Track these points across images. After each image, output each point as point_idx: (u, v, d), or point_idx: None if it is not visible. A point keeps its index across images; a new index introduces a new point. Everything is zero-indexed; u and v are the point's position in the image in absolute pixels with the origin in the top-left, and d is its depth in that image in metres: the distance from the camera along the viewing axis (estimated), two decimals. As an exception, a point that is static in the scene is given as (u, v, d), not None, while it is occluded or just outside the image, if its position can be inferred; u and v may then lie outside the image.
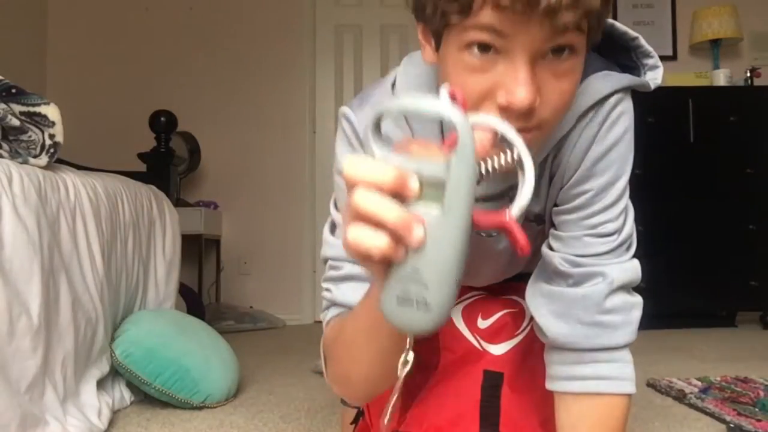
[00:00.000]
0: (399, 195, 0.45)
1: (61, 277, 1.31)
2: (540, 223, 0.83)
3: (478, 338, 0.94)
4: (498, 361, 0.90)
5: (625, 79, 0.75)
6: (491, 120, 0.50)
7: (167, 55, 3.57)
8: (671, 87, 3.35)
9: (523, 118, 0.59)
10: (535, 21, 0.55)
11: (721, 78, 3.37)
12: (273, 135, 3.58)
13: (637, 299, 0.78)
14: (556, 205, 0.79)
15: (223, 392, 1.60)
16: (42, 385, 1.19)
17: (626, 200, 0.77)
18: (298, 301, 3.53)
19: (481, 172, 0.50)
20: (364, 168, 0.45)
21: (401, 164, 0.45)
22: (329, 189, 0.85)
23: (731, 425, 1.32)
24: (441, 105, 0.44)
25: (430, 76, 0.75)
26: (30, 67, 3.41)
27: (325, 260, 0.82)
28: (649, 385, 1.75)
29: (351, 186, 0.46)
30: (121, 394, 1.54)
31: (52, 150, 1.39)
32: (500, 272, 0.93)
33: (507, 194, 0.77)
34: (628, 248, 0.78)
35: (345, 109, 0.80)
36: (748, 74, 3.36)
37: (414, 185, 0.45)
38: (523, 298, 0.84)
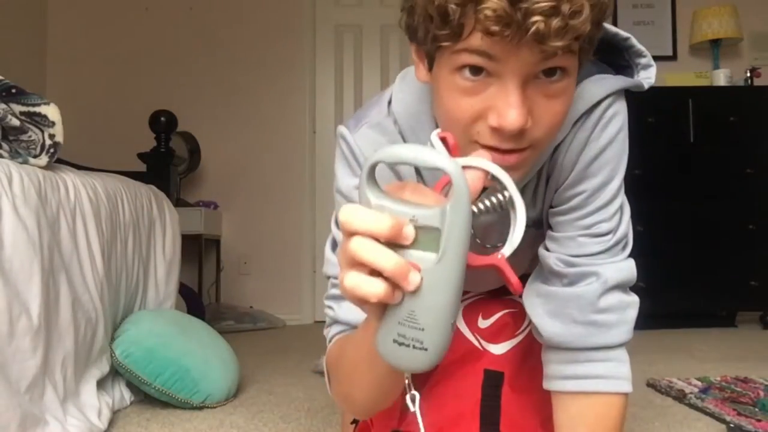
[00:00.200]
0: (395, 241, 0.46)
1: (61, 277, 1.31)
2: (538, 227, 0.83)
3: (479, 338, 0.94)
4: (498, 361, 0.91)
5: (618, 81, 0.75)
6: (482, 162, 0.51)
7: (167, 55, 3.57)
8: (671, 87, 3.35)
9: (514, 139, 0.60)
10: (525, 46, 0.55)
11: (721, 78, 3.37)
12: (273, 135, 3.58)
13: (633, 298, 0.78)
14: (551, 206, 0.80)
15: (223, 392, 1.60)
16: (42, 385, 1.19)
17: (621, 200, 0.78)
18: (298, 301, 3.53)
19: (474, 210, 0.52)
20: (360, 217, 0.46)
21: (396, 211, 0.46)
22: (329, 189, 0.85)
23: (731, 425, 1.32)
24: (436, 156, 0.45)
25: (424, 94, 0.75)
26: (30, 67, 3.41)
27: (327, 277, 0.83)
28: (649, 385, 1.75)
29: (347, 234, 0.47)
30: (121, 394, 1.54)
31: (52, 150, 1.39)
32: (497, 280, 0.93)
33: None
34: (623, 248, 0.78)
35: (342, 130, 0.81)
36: (748, 74, 3.36)
37: (410, 233, 0.46)
38: None
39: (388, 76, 3.65)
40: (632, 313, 0.77)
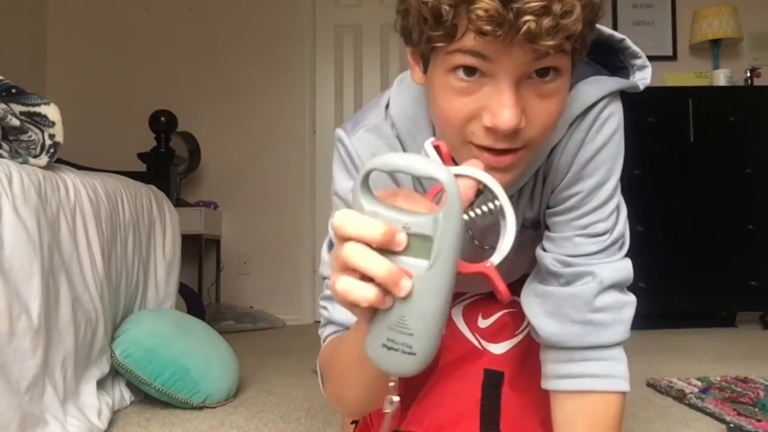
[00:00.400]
0: (387, 247, 0.46)
1: (61, 277, 1.31)
2: (536, 228, 0.83)
3: (479, 337, 0.94)
4: (498, 360, 0.91)
5: (614, 83, 0.75)
6: (474, 171, 0.52)
7: (167, 55, 3.57)
8: (671, 87, 3.36)
9: (508, 138, 0.61)
10: (517, 45, 0.56)
11: (721, 78, 3.37)
12: (273, 135, 3.58)
13: (630, 298, 0.79)
14: (548, 207, 0.80)
15: (223, 392, 1.60)
16: (42, 385, 1.19)
17: (617, 200, 0.78)
18: (298, 301, 3.53)
19: (464, 220, 0.52)
20: (353, 223, 0.47)
21: (389, 218, 0.47)
22: (329, 190, 0.85)
23: (731, 425, 1.32)
24: (429, 165, 0.46)
25: (421, 98, 0.76)
26: (30, 67, 3.41)
27: (324, 278, 0.84)
28: (649, 385, 1.75)
29: (340, 239, 0.47)
30: (121, 394, 1.54)
31: (52, 150, 1.39)
32: None
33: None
34: (620, 248, 0.79)
35: (340, 133, 0.81)
36: (748, 74, 3.36)
37: (402, 239, 0.47)
38: None
39: (388, 76, 3.65)
40: (629, 313, 0.78)
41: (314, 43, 3.67)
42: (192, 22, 3.60)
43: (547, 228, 0.81)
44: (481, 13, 0.54)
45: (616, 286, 0.77)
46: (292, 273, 3.54)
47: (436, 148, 0.52)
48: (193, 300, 2.80)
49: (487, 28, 0.55)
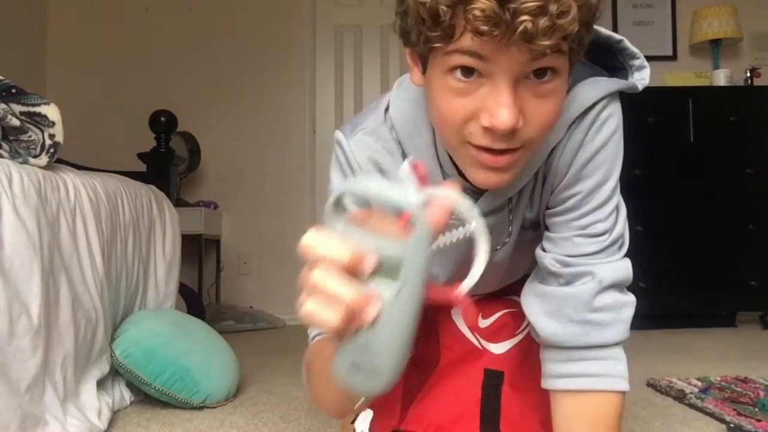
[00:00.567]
0: (355, 270, 0.47)
1: (61, 277, 1.31)
2: (536, 229, 0.84)
3: (478, 337, 0.94)
4: (498, 360, 0.91)
5: (613, 84, 0.76)
6: (450, 195, 0.51)
7: (167, 55, 3.57)
8: (671, 87, 3.36)
9: (506, 138, 0.61)
10: (514, 46, 0.56)
11: (721, 78, 3.37)
12: (273, 135, 3.58)
13: (630, 298, 0.79)
14: (548, 208, 0.80)
15: (223, 392, 1.60)
16: (42, 385, 1.19)
17: (616, 200, 0.78)
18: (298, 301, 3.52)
19: (438, 245, 0.53)
20: (323, 245, 0.47)
21: (359, 241, 0.47)
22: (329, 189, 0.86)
23: (731, 425, 1.32)
24: (399, 193, 0.47)
25: (421, 100, 0.76)
26: (30, 67, 3.41)
27: None
28: (649, 385, 1.75)
29: (309, 260, 0.48)
30: (121, 394, 1.54)
31: (52, 150, 1.39)
32: (497, 283, 0.94)
33: (506, 207, 0.79)
34: (619, 248, 0.79)
35: (338, 135, 0.82)
36: (748, 74, 3.36)
37: (370, 263, 0.47)
38: None
39: (387, 76, 3.65)
40: (628, 313, 0.78)
41: (314, 43, 3.67)
42: (192, 22, 3.60)
43: (547, 228, 0.81)
44: (478, 13, 0.55)
45: (615, 286, 0.77)
46: (292, 273, 3.48)
47: (415, 167, 0.52)
48: (193, 300, 2.80)
49: (484, 28, 0.55)
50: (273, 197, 3.56)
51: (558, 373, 0.79)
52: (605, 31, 0.77)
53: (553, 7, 0.54)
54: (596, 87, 0.75)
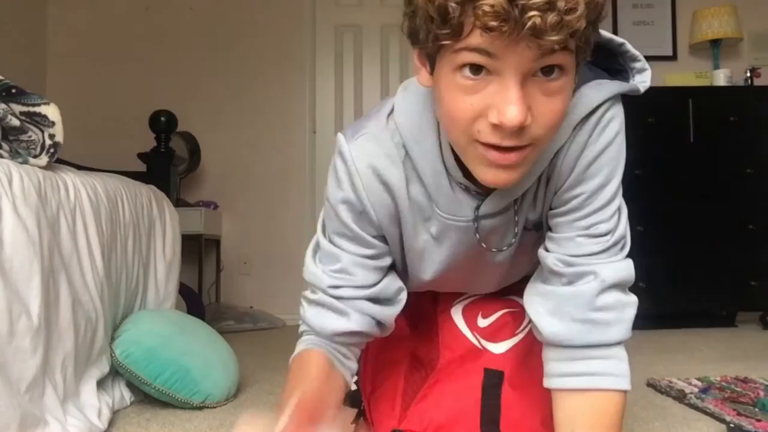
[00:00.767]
0: None
1: (61, 277, 1.31)
2: (538, 230, 0.84)
3: (478, 337, 0.94)
4: (498, 360, 0.91)
5: (615, 86, 0.77)
6: None
7: (167, 55, 3.57)
8: (671, 87, 3.35)
9: (515, 135, 0.62)
10: (522, 42, 0.57)
11: (721, 78, 3.37)
12: (273, 135, 3.58)
13: (632, 298, 0.79)
14: (551, 208, 0.81)
15: (223, 392, 1.60)
16: (42, 385, 1.19)
17: (619, 201, 0.79)
18: (298, 301, 3.50)
19: None
20: None
21: None
22: None
23: (731, 425, 1.32)
24: None
25: (426, 104, 0.77)
26: (30, 67, 3.41)
27: (308, 281, 0.90)
28: (649, 385, 1.75)
29: None
30: (121, 394, 1.54)
31: (52, 150, 1.39)
32: (496, 283, 0.95)
33: (511, 208, 0.80)
34: (621, 248, 0.80)
35: (340, 138, 0.83)
36: (748, 74, 3.36)
37: None
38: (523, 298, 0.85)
39: (388, 76, 3.65)
40: (630, 313, 0.79)
41: (314, 43, 3.67)
42: (192, 22, 3.60)
43: (550, 229, 0.82)
44: (487, 8, 0.55)
45: (617, 286, 0.78)
46: (292, 273, 3.53)
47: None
48: (193, 300, 2.80)
49: (493, 23, 0.56)
50: (273, 197, 3.56)
51: (560, 372, 0.79)
52: (607, 34, 0.78)
53: (561, 4, 0.55)
54: (599, 89, 0.75)
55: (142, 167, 2.77)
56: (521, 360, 0.91)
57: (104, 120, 3.48)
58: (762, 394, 1.58)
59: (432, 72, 0.67)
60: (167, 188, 2.53)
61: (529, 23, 0.55)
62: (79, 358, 1.35)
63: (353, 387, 1.02)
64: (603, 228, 0.77)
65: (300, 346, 0.89)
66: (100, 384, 1.44)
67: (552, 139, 0.69)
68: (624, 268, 0.78)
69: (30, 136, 1.37)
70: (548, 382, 0.81)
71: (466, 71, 0.61)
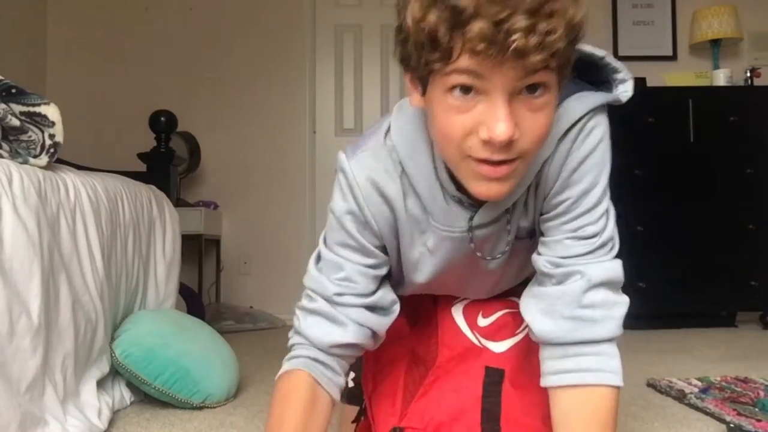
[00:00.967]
0: None
1: (61, 277, 1.31)
2: (531, 237, 0.88)
3: (478, 336, 0.95)
4: (499, 358, 0.93)
5: (598, 98, 0.81)
6: None
7: (167, 55, 3.57)
8: (671, 87, 3.36)
9: (504, 150, 0.66)
10: (507, 63, 0.61)
11: (721, 78, 3.37)
12: (273, 135, 3.59)
13: (623, 298, 0.82)
14: (541, 214, 0.85)
15: (223, 392, 1.60)
16: (42, 385, 1.19)
17: (606, 205, 0.83)
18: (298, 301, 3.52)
19: None
20: None
21: None
22: (329, 189, 0.88)
23: (731, 425, 1.32)
24: None
25: (419, 122, 0.82)
26: (30, 67, 3.41)
27: (307, 287, 0.90)
28: (649, 385, 1.75)
29: None
30: (121, 394, 1.54)
31: (52, 150, 1.39)
32: (489, 290, 0.97)
33: (503, 217, 0.84)
34: (610, 249, 0.83)
35: (341, 156, 0.86)
36: (748, 74, 3.36)
37: None
38: None
39: (388, 76, 3.65)
40: (620, 311, 0.81)
41: (314, 43, 3.67)
42: (192, 22, 3.60)
43: (542, 233, 0.86)
44: (474, 33, 0.60)
45: (606, 285, 0.80)
46: (292, 273, 3.53)
47: None
48: (193, 300, 2.80)
49: (481, 47, 0.60)
50: (273, 197, 3.57)
51: (553, 370, 0.82)
52: (588, 47, 0.81)
53: (542, 26, 0.60)
54: (582, 102, 0.79)
55: (142, 167, 2.77)
56: (522, 359, 0.92)
57: (104, 120, 3.48)
58: (762, 394, 1.58)
59: (424, 94, 0.71)
60: (167, 188, 2.53)
61: (513, 45, 0.59)
62: (79, 358, 1.35)
63: (340, 402, 1.02)
64: (590, 230, 0.81)
65: (287, 364, 0.90)
66: (100, 384, 1.44)
67: (539, 151, 0.73)
68: (612, 268, 0.81)
69: (30, 136, 1.37)
70: (544, 381, 0.83)
71: (457, 92, 0.65)
